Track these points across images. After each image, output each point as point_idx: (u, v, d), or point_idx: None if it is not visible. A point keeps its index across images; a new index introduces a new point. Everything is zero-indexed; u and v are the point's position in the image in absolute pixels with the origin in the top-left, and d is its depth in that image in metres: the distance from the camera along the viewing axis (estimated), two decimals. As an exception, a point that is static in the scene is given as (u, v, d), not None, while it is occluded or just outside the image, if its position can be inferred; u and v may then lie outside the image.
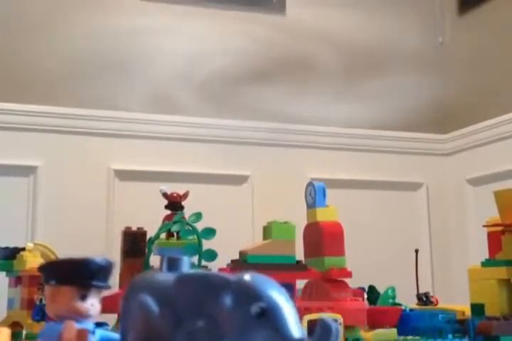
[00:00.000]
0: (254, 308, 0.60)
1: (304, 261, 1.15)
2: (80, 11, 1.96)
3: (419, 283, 1.42)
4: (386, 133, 2.21)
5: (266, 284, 0.62)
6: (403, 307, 1.22)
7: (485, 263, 1.24)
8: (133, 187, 1.90)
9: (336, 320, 1.03)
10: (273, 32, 2.14)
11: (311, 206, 1.21)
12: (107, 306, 0.75)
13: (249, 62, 2.10)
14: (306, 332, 0.61)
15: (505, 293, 1.20)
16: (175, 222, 1.20)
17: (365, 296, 1.31)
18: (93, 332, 0.67)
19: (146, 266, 1.17)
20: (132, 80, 1.98)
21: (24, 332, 1.13)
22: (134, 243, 1.19)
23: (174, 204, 1.27)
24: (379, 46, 2.25)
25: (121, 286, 1.11)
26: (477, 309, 1.18)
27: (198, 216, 1.20)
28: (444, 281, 2.12)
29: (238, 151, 2.02)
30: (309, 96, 2.15)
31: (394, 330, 1.13)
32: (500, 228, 1.24)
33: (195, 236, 1.17)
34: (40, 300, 1.10)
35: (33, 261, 1.12)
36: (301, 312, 1.06)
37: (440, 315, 1.13)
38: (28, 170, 1.83)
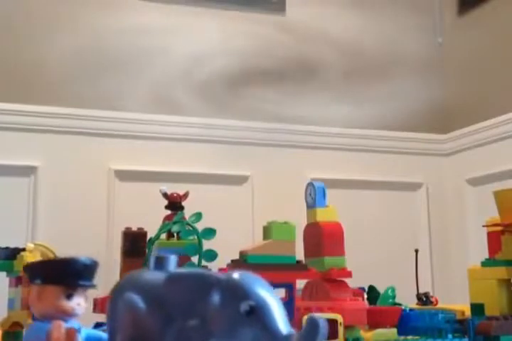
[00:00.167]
0: (244, 306, 0.61)
1: (304, 261, 1.15)
2: (80, 11, 1.96)
3: (419, 283, 1.42)
4: (386, 133, 2.21)
5: (254, 282, 0.63)
6: (403, 307, 1.22)
7: (485, 263, 1.23)
8: (133, 188, 1.90)
9: (335, 320, 1.03)
10: (273, 32, 2.14)
11: (311, 206, 1.21)
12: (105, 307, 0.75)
13: (250, 62, 2.10)
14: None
15: (505, 293, 1.20)
16: (175, 222, 1.20)
17: (365, 296, 1.31)
18: (79, 331, 0.67)
19: (146, 266, 1.16)
20: (132, 80, 1.98)
21: (24, 332, 1.12)
22: (134, 243, 1.19)
23: (174, 204, 1.27)
24: (379, 46, 2.26)
25: (121, 286, 1.11)
26: (477, 309, 1.18)
27: (198, 216, 1.20)
28: (444, 281, 2.12)
29: (238, 151, 2.03)
30: (309, 96, 2.15)
31: (394, 330, 1.13)
32: (500, 228, 1.24)
33: (196, 237, 1.17)
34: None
35: (33, 262, 1.12)
36: (301, 312, 1.06)
37: (440, 315, 1.13)
38: (28, 171, 1.83)
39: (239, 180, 2.02)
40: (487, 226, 1.29)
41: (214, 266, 1.14)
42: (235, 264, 1.08)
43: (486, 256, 1.26)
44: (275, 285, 1.01)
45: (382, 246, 2.09)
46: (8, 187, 1.80)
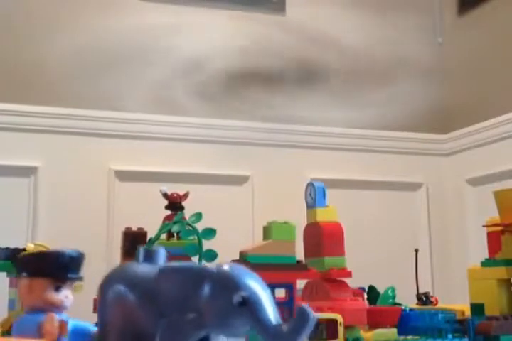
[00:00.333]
0: (237, 297, 0.63)
1: (304, 261, 1.15)
2: (80, 11, 1.96)
3: (419, 283, 1.42)
4: (386, 133, 2.21)
5: (245, 274, 0.65)
6: (403, 307, 1.22)
7: (484, 263, 1.24)
8: (133, 188, 1.90)
9: (335, 320, 1.03)
10: (273, 32, 2.14)
11: (311, 206, 1.21)
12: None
13: (249, 62, 2.10)
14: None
15: (504, 293, 1.20)
16: (175, 223, 1.20)
17: (365, 296, 1.31)
18: (67, 323, 0.68)
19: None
20: (132, 80, 1.98)
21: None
22: (134, 243, 1.18)
23: (174, 204, 1.27)
24: (378, 46, 2.26)
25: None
26: (477, 309, 1.18)
27: (198, 216, 1.20)
28: (444, 281, 2.12)
29: (238, 151, 2.03)
30: (309, 96, 2.15)
31: (394, 330, 1.13)
32: (499, 228, 1.24)
33: (196, 237, 1.17)
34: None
35: (33, 262, 1.12)
36: (301, 312, 1.06)
37: (440, 315, 1.13)
38: (28, 171, 1.83)
39: (239, 180, 2.02)
40: (487, 226, 1.29)
41: (214, 266, 1.14)
42: (235, 264, 1.08)
43: (486, 256, 1.26)
44: (275, 285, 1.02)
45: (382, 246, 2.09)
46: (8, 187, 1.80)
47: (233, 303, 0.63)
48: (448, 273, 2.14)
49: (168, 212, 1.26)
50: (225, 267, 0.66)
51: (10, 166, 1.81)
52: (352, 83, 2.20)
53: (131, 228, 1.21)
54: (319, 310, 1.05)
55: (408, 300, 1.33)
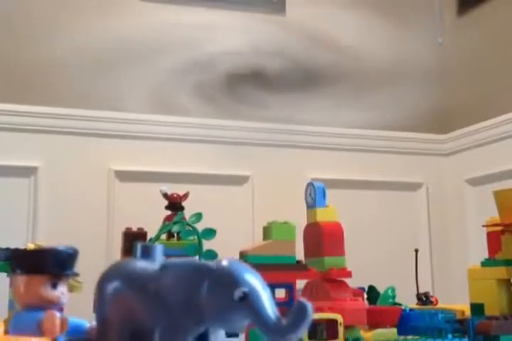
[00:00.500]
0: (238, 293, 0.64)
1: (304, 261, 1.16)
2: (80, 11, 1.96)
3: (419, 283, 1.42)
4: (386, 133, 2.21)
5: (244, 270, 0.67)
6: (403, 307, 1.22)
7: (484, 263, 1.24)
8: (133, 188, 1.90)
9: (335, 320, 1.03)
10: (273, 32, 2.14)
11: (311, 206, 1.21)
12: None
13: (249, 63, 2.10)
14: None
15: (504, 293, 1.20)
16: (175, 223, 1.20)
17: (365, 296, 1.31)
18: (67, 320, 0.68)
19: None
20: (132, 81, 1.98)
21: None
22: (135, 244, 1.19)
23: (174, 204, 1.27)
24: (378, 46, 2.26)
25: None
26: (477, 309, 1.18)
27: (199, 216, 1.20)
28: (444, 281, 2.12)
29: (238, 151, 2.03)
30: (309, 96, 2.15)
31: (394, 330, 1.13)
32: (499, 228, 1.24)
33: (196, 237, 1.17)
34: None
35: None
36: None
37: (440, 315, 1.13)
38: (28, 171, 1.83)
39: (239, 180, 2.02)
40: (487, 226, 1.29)
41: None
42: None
43: (486, 256, 1.26)
44: (275, 286, 1.02)
45: (382, 246, 2.09)
46: (8, 187, 1.80)
47: (234, 298, 0.64)
48: (448, 273, 2.14)
49: (168, 212, 1.26)
50: (225, 263, 0.67)
51: (10, 166, 1.81)
52: (352, 83, 2.20)
53: (131, 228, 1.21)
54: (319, 310, 1.05)
55: (408, 300, 1.33)
